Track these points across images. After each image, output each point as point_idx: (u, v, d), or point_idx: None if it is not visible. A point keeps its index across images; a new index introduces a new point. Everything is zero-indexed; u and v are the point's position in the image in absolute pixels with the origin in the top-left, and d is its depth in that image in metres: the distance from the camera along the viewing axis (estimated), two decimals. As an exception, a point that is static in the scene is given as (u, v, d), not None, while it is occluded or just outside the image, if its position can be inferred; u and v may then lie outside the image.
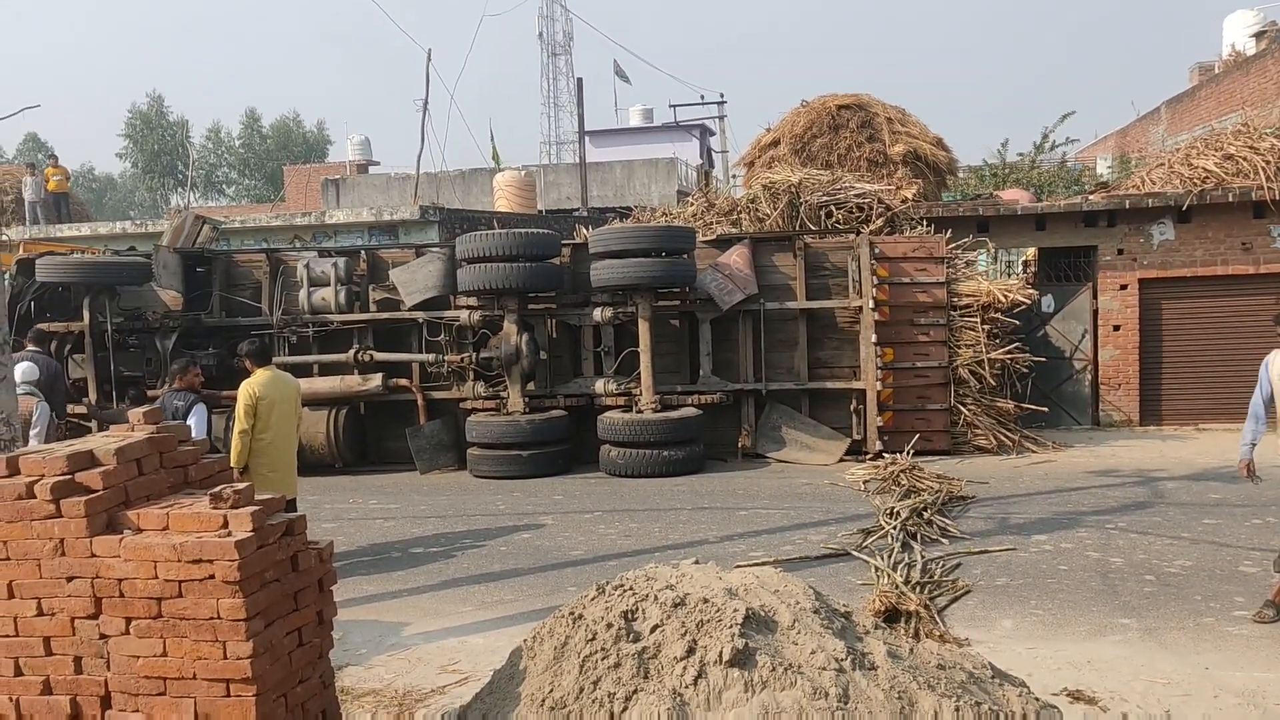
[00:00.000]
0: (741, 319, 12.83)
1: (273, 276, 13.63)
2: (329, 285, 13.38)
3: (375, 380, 12.98)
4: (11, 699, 4.10)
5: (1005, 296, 12.61)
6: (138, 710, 3.98)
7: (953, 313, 12.59)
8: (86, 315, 12.92)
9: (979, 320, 12.57)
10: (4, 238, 17.84)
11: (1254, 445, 6.84)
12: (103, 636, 4.00)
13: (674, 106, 38.94)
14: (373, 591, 7.82)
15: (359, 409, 13.38)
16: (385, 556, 8.89)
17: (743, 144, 35.16)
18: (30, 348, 10.20)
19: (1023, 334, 13.20)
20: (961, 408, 12.50)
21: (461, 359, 12.96)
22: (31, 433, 8.20)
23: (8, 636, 4.09)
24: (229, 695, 3.88)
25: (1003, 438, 12.48)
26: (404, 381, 13.17)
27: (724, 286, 12.53)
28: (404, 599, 7.61)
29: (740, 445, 12.77)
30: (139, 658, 3.95)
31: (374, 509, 10.88)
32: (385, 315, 13.34)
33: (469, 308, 12.97)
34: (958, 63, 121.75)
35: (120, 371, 13.13)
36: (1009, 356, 12.63)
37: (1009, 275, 16.86)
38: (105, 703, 4.02)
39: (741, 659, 3.98)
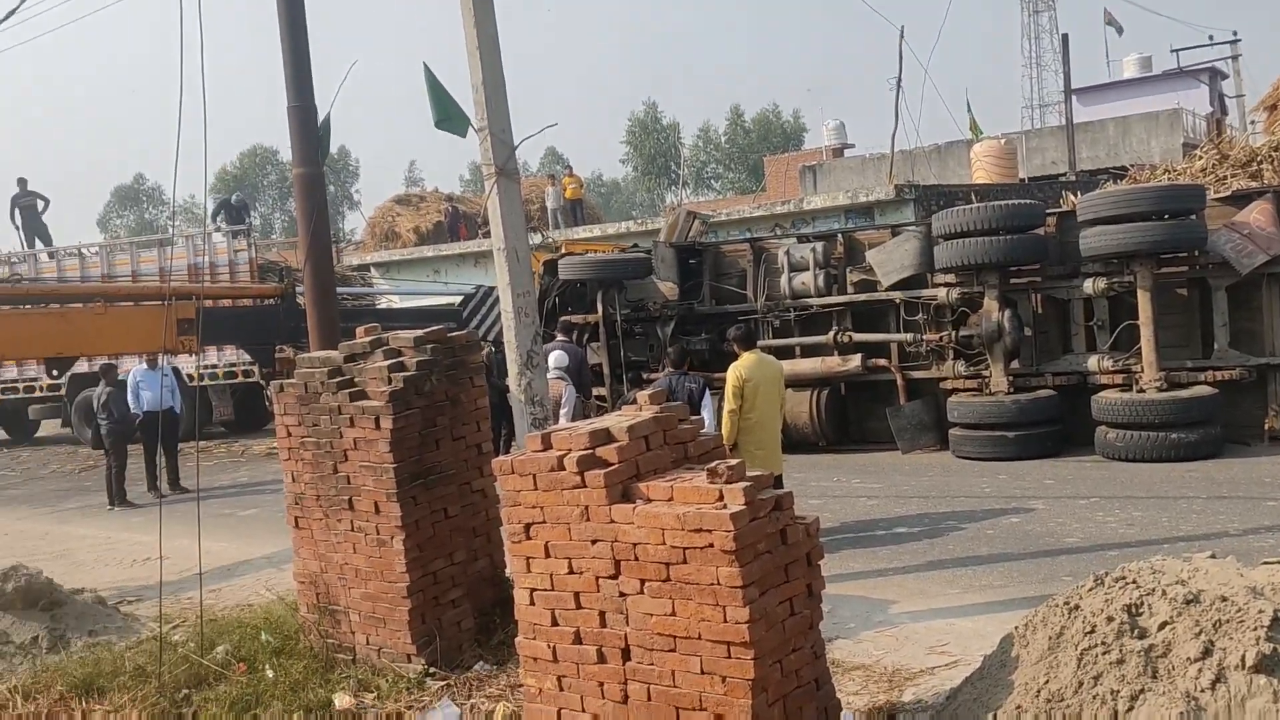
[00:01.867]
0: (1266, 283, 11.24)
1: (756, 264, 14.30)
2: (808, 270, 13.77)
3: (854, 361, 13.15)
4: (549, 645, 4.74)
5: None
6: (652, 664, 4.42)
7: None
8: (600, 307, 14.45)
9: None
10: (550, 240, 20.41)
11: None
12: (621, 594, 4.49)
13: (1176, 51, 34.89)
14: (859, 568, 7.97)
15: (840, 389, 13.63)
16: (870, 534, 9.01)
17: (1262, 86, 30.72)
18: (560, 337, 11.66)
19: None
20: None
21: (940, 338, 12.71)
22: (561, 412, 9.37)
23: (546, 590, 4.73)
24: (730, 656, 4.19)
25: None
26: (882, 361, 13.20)
27: (1242, 248, 11.07)
28: (889, 577, 7.67)
29: (1267, 427, 11.20)
30: (652, 615, 4.39)
31: (857, 487, 11.04)
32: (862, 296, 13.45)
33: (946, 285, 12.69)
34: None
35: (628, 357, 14.53)
36: None
37: None
38: (625, 654, 4.52)
39: (1270, 665, 3.56)
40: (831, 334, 13.49)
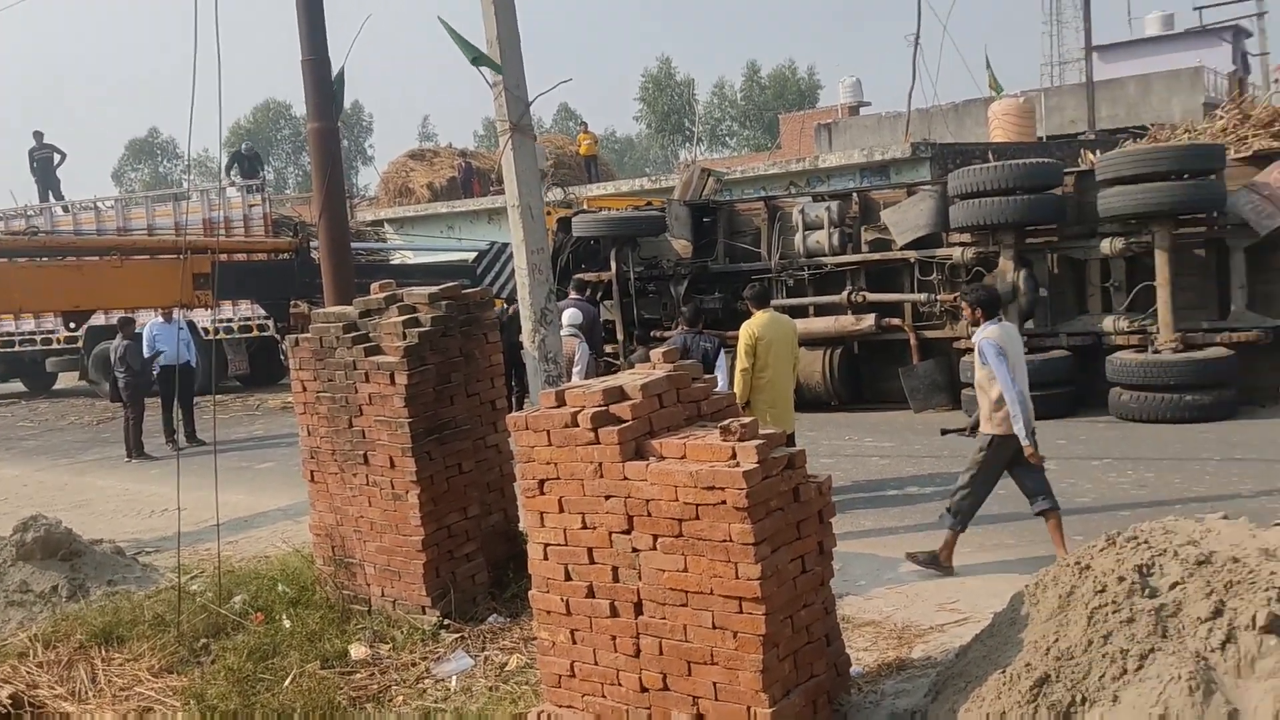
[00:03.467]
0: (1285, 245, 11.16)
1: (770, 223, 14.22)
2: (822, 229, 13.70)
3: (868, 320, 13.12)
4: (562, 599, 4.79)
5: None
6: (664, 618, 4.47)
7: None
8: (613, 265, 14.42)
9: None
10: (572, 195, 20.28)
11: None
12: (634, 550, 4.53)
13: (1199, 9, 34.31)
14: (870, 526, 8.01)
15: (853, 348, 13.61)
16: (881, 493, 9.04)
17: (1289, 41, 30.16)
18: (573, 295, 11.65)
19: None
20: None
21: (954, 298, 12.65)
22: (575, 370, 9.38)
23: (560, 545, 4.77)
24: (741, 611, 4.23)
25: None
26: (896, 321, 13.17)
27: (1262, 209, 10.96)
28: (901, 535, 7.70)
29: (1283, 390, 11.18)
30: (664, 571, 4.43)
31: (869, 446, 11.06)
32: (877, 256, 13.39)
33: (962, 244, 12.62)
34: None
35: (641, 314, 14.52)
36: None
37: None
38: (638, 609, 4.56)
39: (1280, 627, 3.57)
40: (845, 293, 13.45)
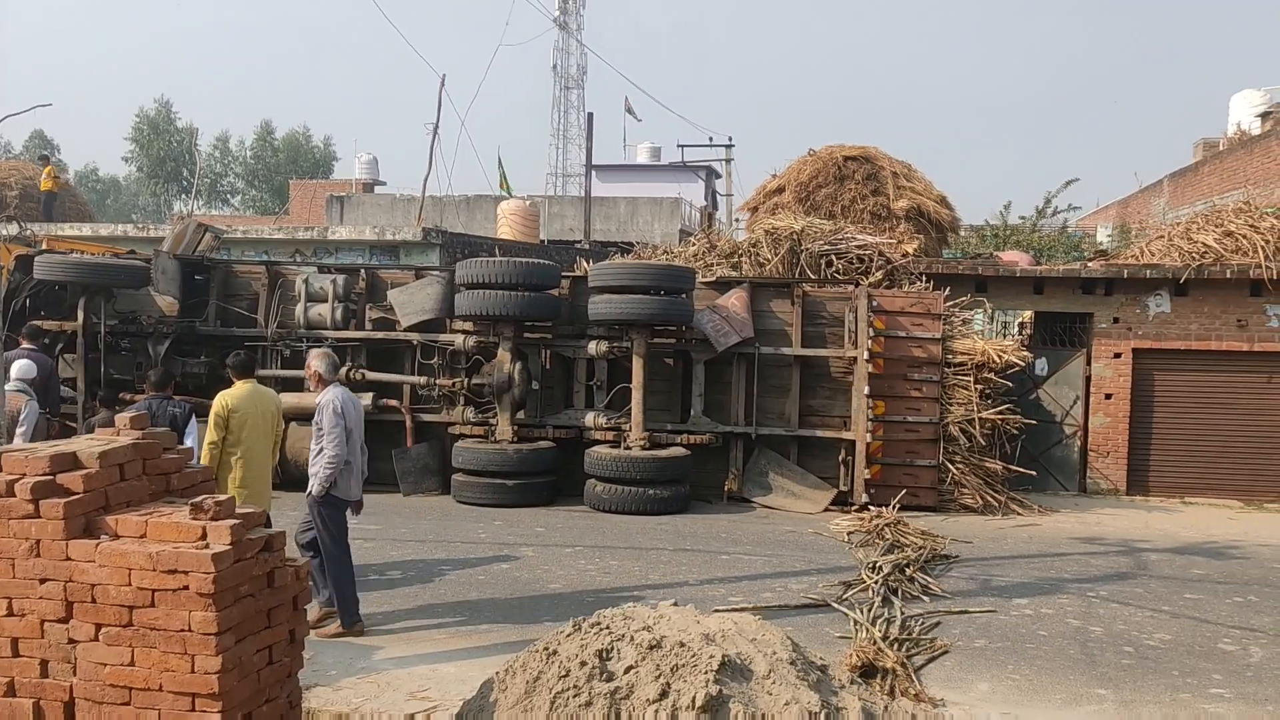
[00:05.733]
0: (736, 362, 12.83)
1: (271, 289, 13.61)
2: (326, 301, 13.37)
3: (365, 399, 12.89)
4: (-27, 699, 4.04)
5: (1000, 357, 12.65)
6: (101, 719, 3.92)
7: (946, 369, 12.62)
8: (81, 315, 12.88)
9: (972, 379, 12.59)
10: (28, 232, 17.72)
11: None
12: (71, 641, 3.96)
13: (682, 147, 39.15)
14: (347, 612, 7.73)
15: (347, 427, 13.28)
16: (363, 579, 8.79)
17: (748, 188, 35.39)
18: (25, 345, 10.17)
19: (1015, 395, 13.22)
20: (950, 465, 12.48)
21: (453, 383, 12.92)
22: (17, 431, 8.15)
23: (-25, 635, 4.04)
24: (194, 710, 3.84)
25: (989, 498, 12.46)
26: (394, 402, 13.13)
27: (720, 328, 12.55)
28: (378, 623, 7.53)
29: (726, 488, 12.72)
30: (106, 665, 3.91)
31: (354, 529, 10.72)
32: (380, 335, 13.32)
33: (465, 332, 12.97)
34: (968, 123, 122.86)
35: (110, 374, 13.07)
36: (1000, 417, 12.63)
37: (1005, 336, 16.92)
38: (69, 709, 3.97)
39: (715, 705, 3.95)
40: (345, 370, 13.16)
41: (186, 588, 3.83)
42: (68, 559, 3.95)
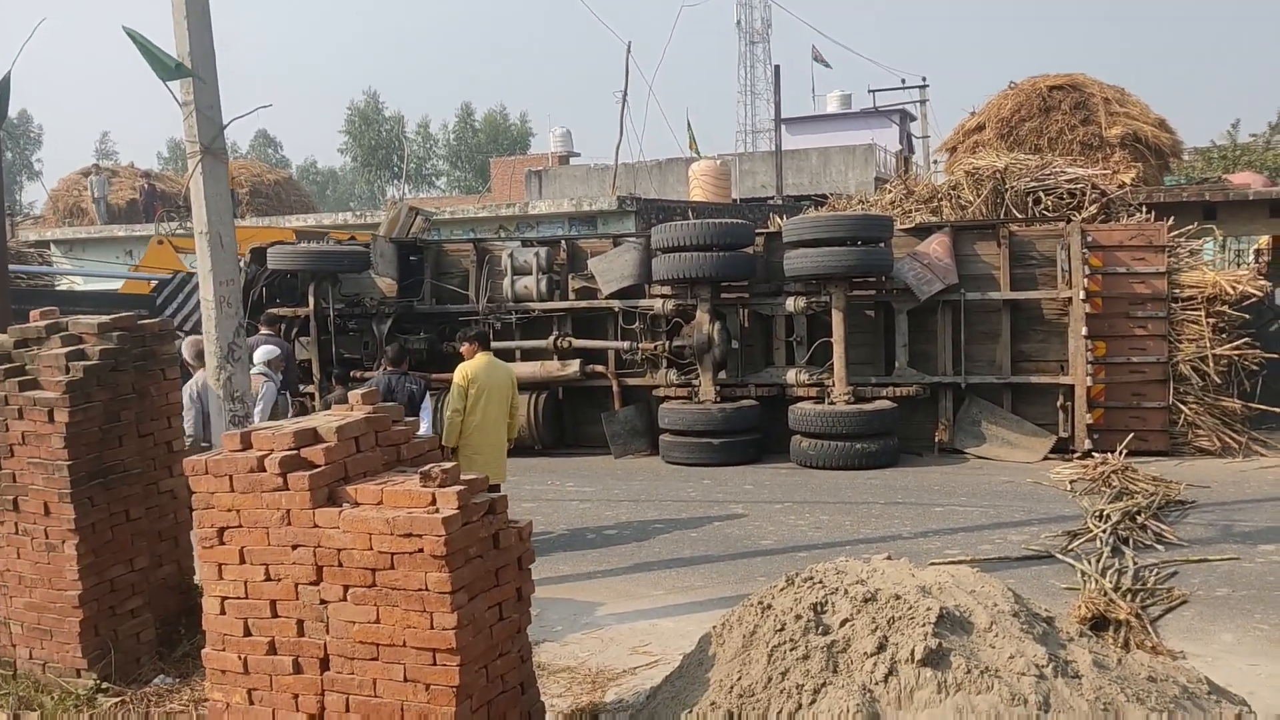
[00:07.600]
0: (940, 309, 12.44)
1: (479, 265, 14.19)
2: (531, 274, 13.83)
3: (573, 366, 13.34)
4: (240, 657, 4.45)
5: (1234, 288, 11.72)
6: (352, 674, 4.25)
7: (1174, 305, 11.80)
8: (311, 301, 13.83)
9: (1203, 313, 11.72)
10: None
11: None
12: (323, 602, 4.29)
13: (873, 92, 38.08)
14: (568, 571, 8.06)
15: (558, 393, 13.77)
16: (581, 538, 9.14)
17: (946, 129, 34.00)
18: (264, 331, 11.02)
19: (1253, 328, 12.21)
20: (1182, 406, 11.71)
21: (655, 347, 13.13)
22: (255, 410, 8.85)
23: (239, 599, 4.44)
24: (435, 664, 4.10)
25: (1228, 439, 11.62)
26: (600, 368, 13.47)
27: (922, 276, 12.19)
28: (598, 580, 7.80)
29: (937, 440, 12.40)
30: (355, 623, 4.22)
31: (570, 491, 11.19)
32: (583, 303, 13.67)
33: (663, 296, 13.13)
34: (1184, 37, 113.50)
35: (340, 354, 13.99)
36: (1237, 352, 11.71)
37: (1238, 265, 15.65)
38: (324, 664, 4.32)
39: (935, 659, 3.89)
40: (552, 339, 13.61)
41: (421, 550, 4.08)
42: (315, 526, 4.28)
